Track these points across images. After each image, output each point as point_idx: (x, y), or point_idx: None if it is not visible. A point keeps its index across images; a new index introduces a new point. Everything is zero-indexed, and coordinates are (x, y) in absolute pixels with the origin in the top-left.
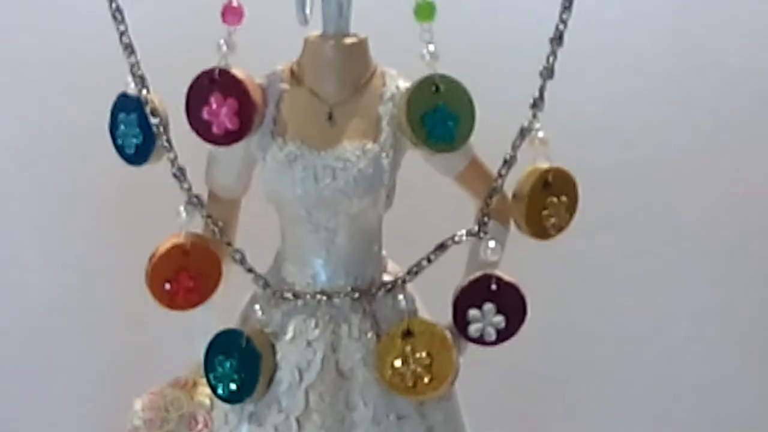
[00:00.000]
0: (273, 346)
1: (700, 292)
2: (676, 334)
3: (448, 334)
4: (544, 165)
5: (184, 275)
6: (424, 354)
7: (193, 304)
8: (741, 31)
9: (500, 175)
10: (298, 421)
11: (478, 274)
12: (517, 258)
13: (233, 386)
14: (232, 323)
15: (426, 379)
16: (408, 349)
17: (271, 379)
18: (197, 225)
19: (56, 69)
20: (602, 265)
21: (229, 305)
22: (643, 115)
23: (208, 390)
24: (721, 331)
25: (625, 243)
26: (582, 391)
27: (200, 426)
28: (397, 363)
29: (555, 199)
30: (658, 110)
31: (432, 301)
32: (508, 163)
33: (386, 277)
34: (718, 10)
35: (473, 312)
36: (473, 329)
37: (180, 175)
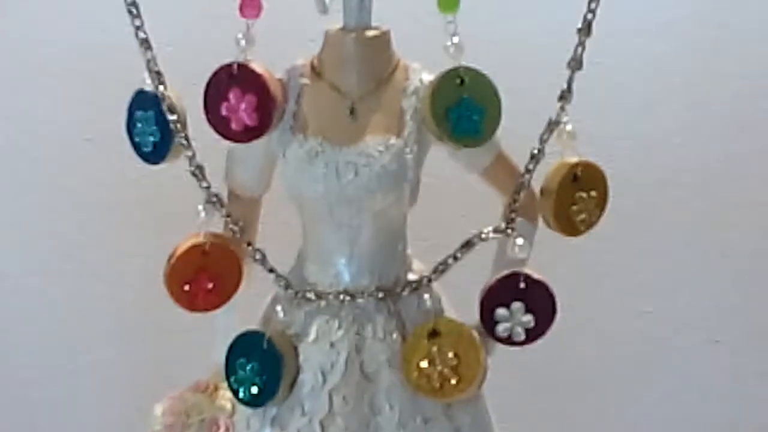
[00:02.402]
0: (295, 348)
1: (721, 294)
2: (697, 336)
3: (476, 334)
4: (573, 159)
5: (203, 276)
6: (451, 354)
7: (214, 306)
8: (759, 37)
9: (527, 170)
10: (321, 424)
11: (506, 272)
12: (537, 260)
13: (255, 389)
14: (254, 325)
15: (453, 381)
16: (434, 349)
17: (293, 382)
18: (217, 225)
19: (72, 73)
20: (623, 266)
21: (250, 307)
22: (662, 119)
23: (229, 394)
24: (743, 333)
25: (646, 245)
26: (603, 392)
27: (222, 431)
28: (424, 364)
29: (584, 194)
30: (677, 114)
31: (458, 301)
32: (535, 157)
33: (411, 276)
34: (736, 16)
35: (501, 311)
36: (501, 329)
37: (198, 173)
